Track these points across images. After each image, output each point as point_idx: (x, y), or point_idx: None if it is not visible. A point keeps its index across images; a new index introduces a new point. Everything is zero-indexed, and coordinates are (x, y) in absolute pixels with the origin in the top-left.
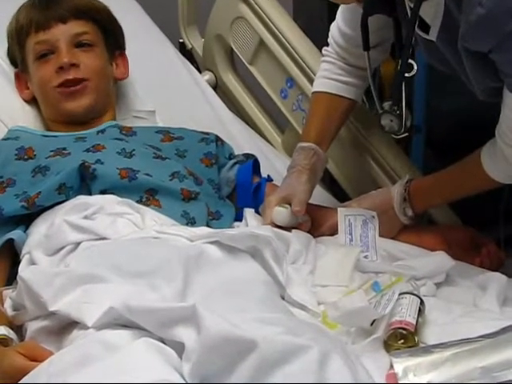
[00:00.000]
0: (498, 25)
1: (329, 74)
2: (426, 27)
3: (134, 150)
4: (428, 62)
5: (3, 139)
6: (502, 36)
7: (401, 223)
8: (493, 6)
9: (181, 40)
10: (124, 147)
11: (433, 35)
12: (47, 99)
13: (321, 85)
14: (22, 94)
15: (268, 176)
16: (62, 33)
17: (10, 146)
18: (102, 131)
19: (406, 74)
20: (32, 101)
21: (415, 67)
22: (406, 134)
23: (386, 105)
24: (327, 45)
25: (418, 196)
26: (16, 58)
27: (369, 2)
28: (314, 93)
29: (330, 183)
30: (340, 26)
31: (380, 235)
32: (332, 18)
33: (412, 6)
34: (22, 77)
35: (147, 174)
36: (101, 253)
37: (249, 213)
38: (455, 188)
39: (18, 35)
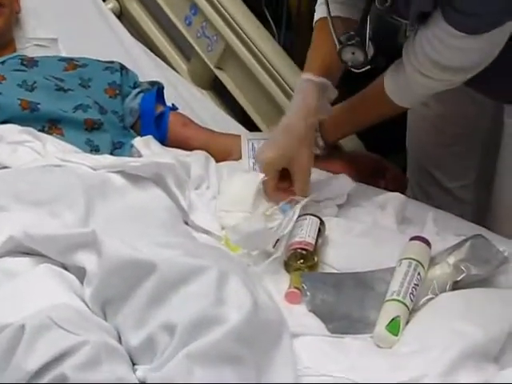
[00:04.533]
0: None
1: None
2: None
3: (35, 82)
4: None
5: None
6: None
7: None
8: None
9: None
10: (25, 79)
11: None
12: None
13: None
14: None
15: (173, 105)
16: None
17: None
18: (2, 63)
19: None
20: None
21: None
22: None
23: (343, 38)
24: None
25: (329, 125)
26: None
27: None
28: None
29: (239, 113)
30: None
31: None
32: None
33: None
34: None
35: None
36: (1, 182)
37: (137, 142)
38: (363, 115)
39: None
